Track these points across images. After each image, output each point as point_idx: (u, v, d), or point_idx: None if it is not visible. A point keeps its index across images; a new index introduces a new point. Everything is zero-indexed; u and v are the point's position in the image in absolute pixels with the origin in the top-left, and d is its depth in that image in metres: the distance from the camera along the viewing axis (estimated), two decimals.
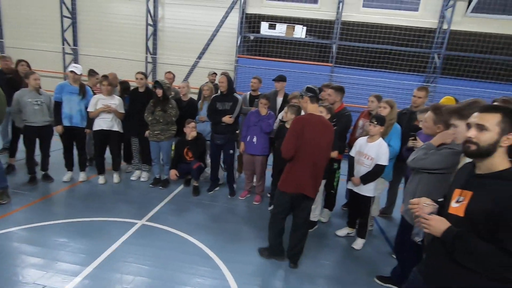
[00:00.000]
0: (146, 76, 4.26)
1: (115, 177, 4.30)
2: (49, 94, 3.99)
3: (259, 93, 4.48)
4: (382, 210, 4.02)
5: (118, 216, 3.35)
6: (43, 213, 3.29)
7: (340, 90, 3.68)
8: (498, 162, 1.27)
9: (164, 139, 4.10)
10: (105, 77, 4.11)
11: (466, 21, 6.69)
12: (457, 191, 1.38)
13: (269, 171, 4.54)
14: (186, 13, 7.59)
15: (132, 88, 4.46)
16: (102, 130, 3.99)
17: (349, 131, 3.80)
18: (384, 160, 2.94)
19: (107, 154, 4.25)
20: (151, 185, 4.28)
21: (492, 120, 1.26)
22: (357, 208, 3.28)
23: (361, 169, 3.06)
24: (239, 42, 7.30)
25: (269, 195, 4.34)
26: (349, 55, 7.17)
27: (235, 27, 7.44)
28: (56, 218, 3.21)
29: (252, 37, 7.62)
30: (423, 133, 2.35)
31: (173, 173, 3.98)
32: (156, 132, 4.06)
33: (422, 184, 2.16)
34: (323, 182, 3.44)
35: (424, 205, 1.47)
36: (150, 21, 7.71)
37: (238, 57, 7.27)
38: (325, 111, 3.23)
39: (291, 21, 7.26)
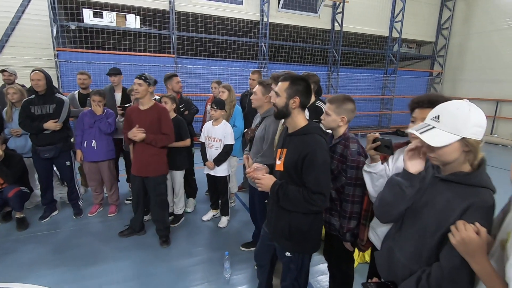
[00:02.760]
0: None
1: None
2: None
3: (90, 90, 3.84)
4: (240, 186, 4.40)
5: None
6: None
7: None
8: (298, 121, 1.57)
9: None
10: None
11: (279, 15, 8.03)
12: (279, 151, 1.64)
13: (123, 176, 4.10)
14: None
15: None
16: None
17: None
18: (230, 140, 3.18)
19: None
20: None
21: (282, 87, 1.54)
22: (217, 190, 3.44)
23: (213, 152, 3.20)
24: (55, 32, 5.97)
25: (128, 201, 3.92)
26: (190, 46, 7.24)
27: (46, 13, 6.02)
28: None
29: (73, 27, 6.42)
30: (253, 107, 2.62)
31: None
32: None
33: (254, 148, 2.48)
34: (182, 172, 3.41)
35: (256, 169, 1.66)
36: None
37: (58, 50, 5.97)
38: (170, 101, 3.17)
39: (120, 9, 6.56)
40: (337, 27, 8.79)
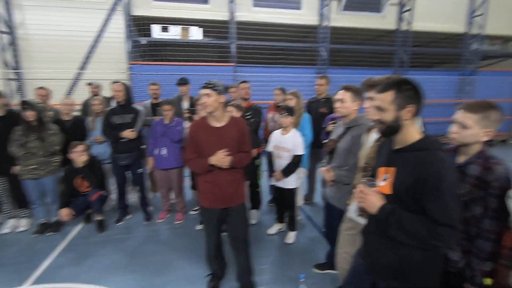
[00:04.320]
0: (2, 95, 3.24)
1: None
2: None
3: (160, 100, 4.01)
4: (304, 198, 4.13)
5: None
6: None
7: None
8: (409, 134, 1.28)
9: (45, 174, 3.19)
10: None
11: (341, 18, 7.65)
12: (381, 170, 1.36)
13: (187, 183, 4.15)
14: (56, 17, 6.32)
15: None
16: None
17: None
18: (300, 150, 2.96)
19: None
20: (34, 235, 3.29)
21: (387, 100, 1.26)
22: (283, 202, 3.24)
23: (282, 163, 3.01)
24: (129, 47, 6.51)
25: (193, 212, 3.93)
26: (249, 54, 7.28)
27: (122, 31, 6.61)
28: None
29: (144, 41, 6.92)
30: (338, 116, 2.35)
31: (65, 213, 3.13)
32: (31, 167, 3.12)
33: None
34: (246, 183, 3.28)
35: (363, 180, 1.39)
36: (3, 28, 6.11)
37: (131, 64, 6.48)
38: (235, 110, 3.09)
39: (184, 23, 6.90)
40: (404, 26, 8.05)
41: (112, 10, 6.55)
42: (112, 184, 3.85)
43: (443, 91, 8.54)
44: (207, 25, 7.06)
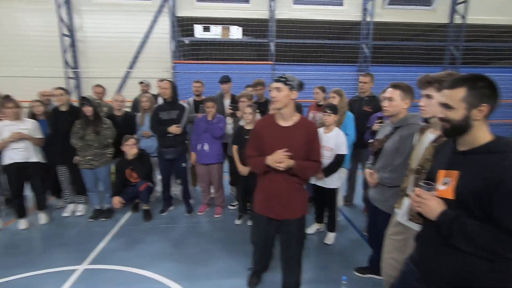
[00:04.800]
0: (67, 92, 3.58)
1: (42, 217, 3.52)
2: None
3: (203, 97, 4.15)
4: (344, 199, 4.03)
5: (50, 266, 2.69)
6: None
7: None
8: (479, 135, 1.18)
9: (99, 165, 3.47)
10: (7, 97, 3.29)
11: (385, 13, 7.29)
12: (441, 172, 1.27)
13: (225, 178, 4.25)
14: (109, 20, 6.84)
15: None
16: (15, 163, 3.23)
17: None
18: (343, 149, 2.89)
19: (28, 191, 3.48)
20: (90, 219, 3.61)
21: (457, 97, 1.17)
22: (323, 202, 3.19)
23: (323, 162, 2.97)
24: (173, 47, 6.82)
25: (231, 207, 4.02)
26: (287, 52, 7.26)
27: (167, 31, 6.95)
28: None
29: (187, 41, 7.21)
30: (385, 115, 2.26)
31: (117, 201, 3.39)
32: (88, 158, 3.42)
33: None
34: None
35: (421, 184, 1.32)
36: (65, 31, 6.75)
37: (174, 63, 6.79)
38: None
39: (225, 22, 7.07)
40: (457, 20, 7.45)
41: (159, 12, 6.91)
42: (156, 176, 4.09)
43: (503, 90, 7.74)
44: (247, 24, 7.15)
